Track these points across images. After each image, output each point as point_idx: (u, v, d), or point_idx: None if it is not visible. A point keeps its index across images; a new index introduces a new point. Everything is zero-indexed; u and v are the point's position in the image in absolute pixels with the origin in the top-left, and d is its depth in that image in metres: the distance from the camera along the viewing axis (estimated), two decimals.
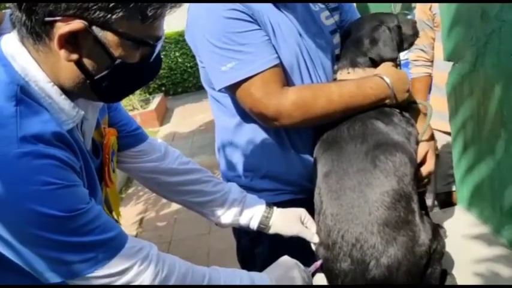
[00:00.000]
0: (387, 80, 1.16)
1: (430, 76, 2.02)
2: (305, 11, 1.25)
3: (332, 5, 1.33)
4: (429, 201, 1.79)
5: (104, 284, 0.75)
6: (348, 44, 1.26)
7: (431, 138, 1.28)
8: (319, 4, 1.30)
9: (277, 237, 1.18)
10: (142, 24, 0.74)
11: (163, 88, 8.53)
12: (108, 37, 0.72)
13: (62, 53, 0.72)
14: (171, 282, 0.81)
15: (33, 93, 0.75)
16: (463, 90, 1.30)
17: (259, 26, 1.13)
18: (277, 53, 1.15)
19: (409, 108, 1.26)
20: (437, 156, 1.87)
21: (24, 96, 0.72)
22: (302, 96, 1.14)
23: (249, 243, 1.34)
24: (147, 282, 0.78)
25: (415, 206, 1.07)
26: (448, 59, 1.35)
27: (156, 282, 0.79)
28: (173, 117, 7.16)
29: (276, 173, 1.29)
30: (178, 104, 7.74)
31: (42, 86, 0.75)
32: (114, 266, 0.75)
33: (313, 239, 1.12)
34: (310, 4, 1.28)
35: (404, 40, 1.28)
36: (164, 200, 3.90)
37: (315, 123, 1.20)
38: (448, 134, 1.55)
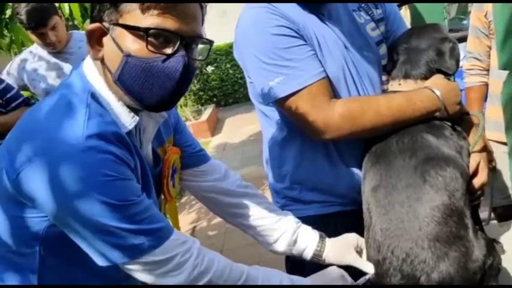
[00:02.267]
0: (437, 93, 1.15)
1: (485, 85, 1.94)
2: (350, 23, 1.26)
3: (377, 16, 1.33)
4: (485, 214, 1.72)
5: (148, 269, 0.84)
6: (404, 55, 1.25)
7: (484, 149, 1.25)
8: (364, 16, 1.31)
9: None
10: (144, 14, 0.80)
11: (214, 99, 8.73)
12: (117, 32, 0.82)
13: (92, 53, 0.86)
14: (209, 276, 0.88)
15: (99, 98, 0.87)
16: None
17: (305, 41, 1.16)
18: (323, 66, 1.17)
19: (462, 120, 1.23)
20: (494, 168, 1.80)
21: (93, 101, 0.85)
22: (350, 109, 1.15)
23: None
24: (186, 273, 0.85)
25: (468, 221, 1.04)
26: (503, 67, 1.30)
27: (194, 274, 0.86)
28: (224, 127, 7.30)
29: (325, 185, 1.30)
30: (229, 114, 7.89)
31: (105, 94, 0.87)
32: (159, 254, 0.83)
33: (367, 268, 1.10)
34: (356, 16, 1.29)
35: None
36: None
37: (363, 136, 1.20)
38: (506, 144, 1.49)
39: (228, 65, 8.50)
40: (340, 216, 1.30)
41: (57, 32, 2.42)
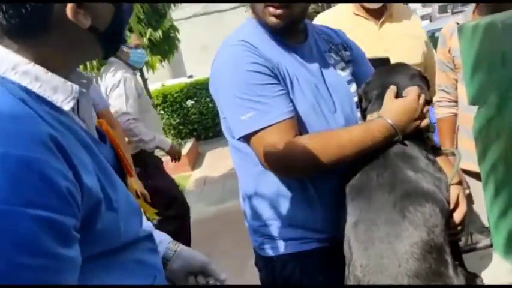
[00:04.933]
0: (389, 121, 1.18)
1: (455, 116, 2.01)
2: (322, 62, 1.32)
3: (346, 57, 1.40)
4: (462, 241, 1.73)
5: None
6: (378, 90, 1.28)
7: (460, 182, 1.27)
8: (334, 57, 1.36)
9: None
10: None
11: (195, 133, 8.73)
12: None
13: (82, 21, 0.70)
14: None
15: (16, 83, 0.66)
16: (489, 134, 1.29)
17: (278, 80, 1.20)
18: (293, 105, 1.21)
19: (435, 153, 1.26)
20: (468, 195, 1.83)
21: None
22: (313, 145, 1.17)
23: None
24: None
25: (448, 257, 1.05)
26: (472, 103, 1.34)
27: None
28: (205, 161, 7.26)
29: (301, 221, 1.29)
30: (209, 148, 7.87)
31: (24, 70, 0.67)
32: None
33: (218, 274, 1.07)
34: (326, 57, 1.35)
35: None
36: (197, 247, 3.88)
37: (328, 170, 1.21)
38: (477, 174, 1.51)
39: (208, 99, 8.56)
40: (319, 254, 1.29)
41: None
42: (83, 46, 0.75)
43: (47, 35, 0.69)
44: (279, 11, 1.19)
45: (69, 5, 0.68)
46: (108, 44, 0.78)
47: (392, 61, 1.77)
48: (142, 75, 7.09)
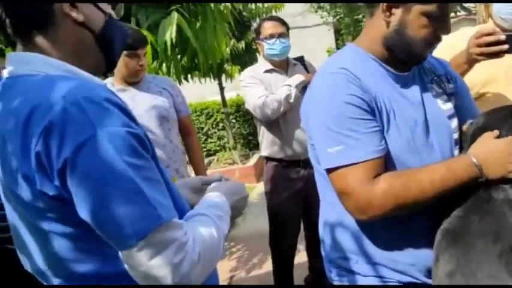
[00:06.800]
0: (474, 160, 1.08)
1: None
2: (424, 94, 1.24)
3: (449, 90, 1.31)
4: None
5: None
6: (473, 131, 1.20)
7: None
8: (436, 88, 1.28)
9: None
10: None
11: None
12: None
13: (76, 15, 0.87)
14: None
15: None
16: None
17: (374, 114, 1.14)
18: (386, 142, 1.14)
19: None
20: None
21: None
22: (393, 185, 1.09)
23: None
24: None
25: None
26: None
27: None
28: None
29: (384, 260, 1.21)
30: None
31: (68, 68, 0.86)
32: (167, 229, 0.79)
33: None
34: (429, 88, 1.27)
35: None
36: (256, 260, 3.86)
37: (408, 211, 1.13)
38: None
39: None
40: None
41: (144, 60, 2.39)
42: (85, 44, 0.90)
43: (55, 28, 0.86)
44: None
45: (65, 4, 0.85)
46: (106, 50, 0.92)
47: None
48: (220, 84, 7.26)
